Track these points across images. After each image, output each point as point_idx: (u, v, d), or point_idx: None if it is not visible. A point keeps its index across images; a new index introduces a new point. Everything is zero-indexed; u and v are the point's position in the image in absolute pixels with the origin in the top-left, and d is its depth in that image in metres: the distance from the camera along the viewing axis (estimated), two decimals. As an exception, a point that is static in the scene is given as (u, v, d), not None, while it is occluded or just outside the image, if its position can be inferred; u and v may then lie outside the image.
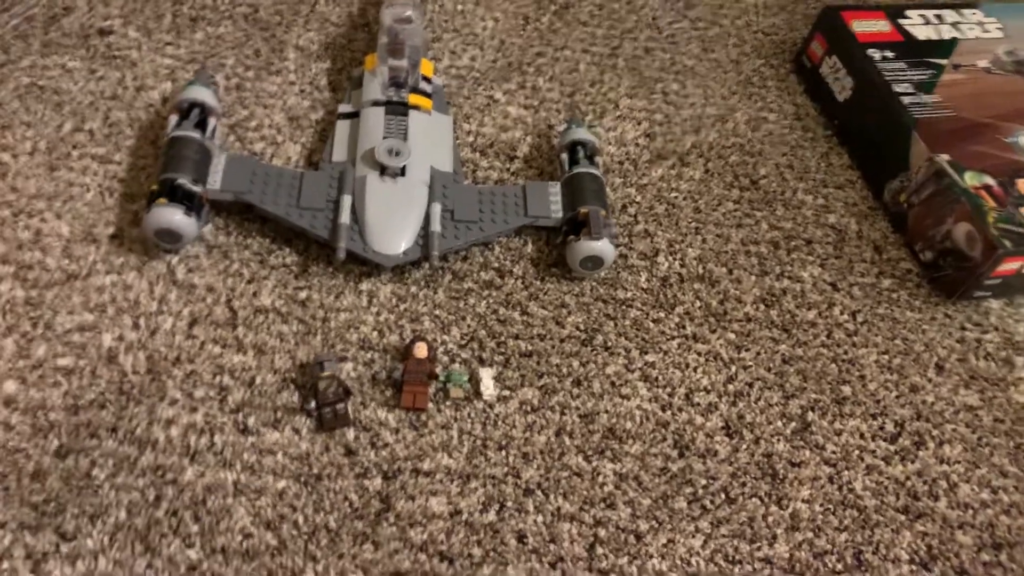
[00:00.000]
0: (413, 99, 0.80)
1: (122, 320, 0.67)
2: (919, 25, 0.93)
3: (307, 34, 0.93)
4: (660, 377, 0.70)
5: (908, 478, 0.66)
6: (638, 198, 0.82)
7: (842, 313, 0.76)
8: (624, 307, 0.74)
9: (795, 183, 0.86)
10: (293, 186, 0.73)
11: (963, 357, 0.74)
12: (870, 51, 0.89)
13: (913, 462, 0.67)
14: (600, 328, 0.72)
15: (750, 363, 0.72)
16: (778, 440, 0.67)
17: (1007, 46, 0.92)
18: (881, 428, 0.69)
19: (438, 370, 0.66)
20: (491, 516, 0.61)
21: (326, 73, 0.89)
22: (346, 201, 0.72)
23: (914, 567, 0.62)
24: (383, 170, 0.73)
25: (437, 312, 0.71)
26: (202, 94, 0.75)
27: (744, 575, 0.60)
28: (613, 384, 0.69)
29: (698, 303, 0.75)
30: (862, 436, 0.68)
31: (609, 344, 0.71)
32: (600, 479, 0.63)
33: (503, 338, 0.70)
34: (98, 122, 0.80)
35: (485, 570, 0.58)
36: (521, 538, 0.60)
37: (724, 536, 0.62)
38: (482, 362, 0.69)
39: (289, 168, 0.76)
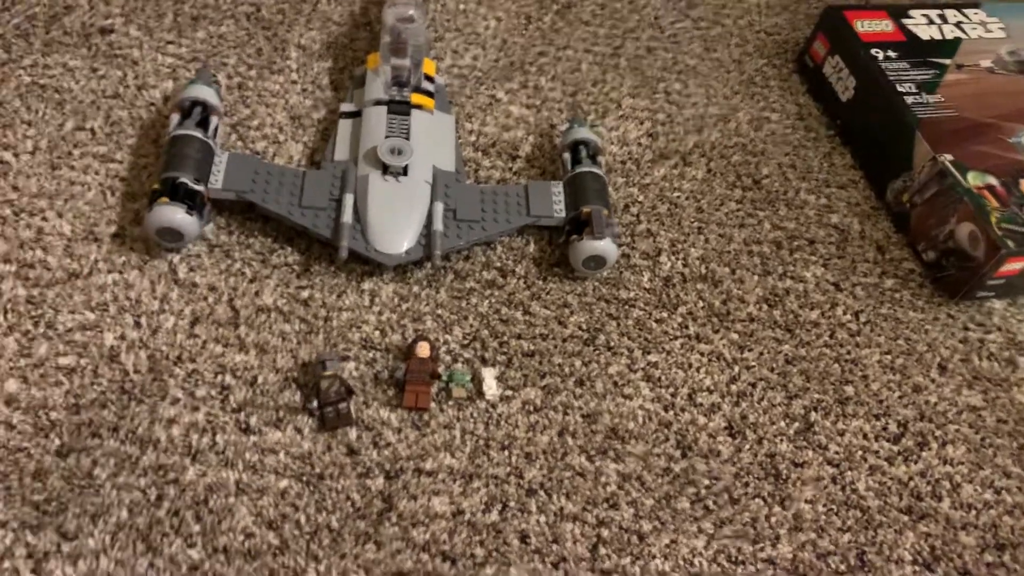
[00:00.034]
0: (415, 98, 0.80)
1: (124, 319, 0.67)
2: (922, 25, 0.93)
3: (309, 33, 0.93)
4: (663, 377, 0.70)
5: (911, 479, 0.66)
6: (640, 198, 0.82)
7: (845, 313, 0.76)
8: (627, 307, 0.74)
9: (798, 183, 0.86)
10: (295, 185, 0.73)
11: (966, 357, 0.74)
12: (873, 51, 0.89)
13: (916, 463, 0.67)
14: (603, 328, 0.72)
15: (753, 363, 0.72)
16: (781, 440, 0.67)
17: (1010, 46, 0.92)
18: (884, 428, 0.69)
19: (440, 370, 0.66)
20: (494, 516, 0.61)
21: (328, 72, 0.89)
22: (348, 200, 0.72)
23: (917, 568, 0.61)
24: (385, 169, 0.73)
25: (439, 311, 0.71)
26: (204, 93, 0.75)
27: (747, 576, 0.60)
28: (616, 384, 0.69)
29: (701, 303, 0.75)
30: (865, 436, 0.68)
31: (612, 344, 0.71)
32: (603, 479, 0.63)
33: (505, 338, 0.70)
34: (100, 121, 0.80)
35: (488, 570, 0.58)
36: (524, 538, 0.60)
37: (727, 537, 0.62)
38: (484, 362, 0.69)
39: (291, 167, 0.76)
